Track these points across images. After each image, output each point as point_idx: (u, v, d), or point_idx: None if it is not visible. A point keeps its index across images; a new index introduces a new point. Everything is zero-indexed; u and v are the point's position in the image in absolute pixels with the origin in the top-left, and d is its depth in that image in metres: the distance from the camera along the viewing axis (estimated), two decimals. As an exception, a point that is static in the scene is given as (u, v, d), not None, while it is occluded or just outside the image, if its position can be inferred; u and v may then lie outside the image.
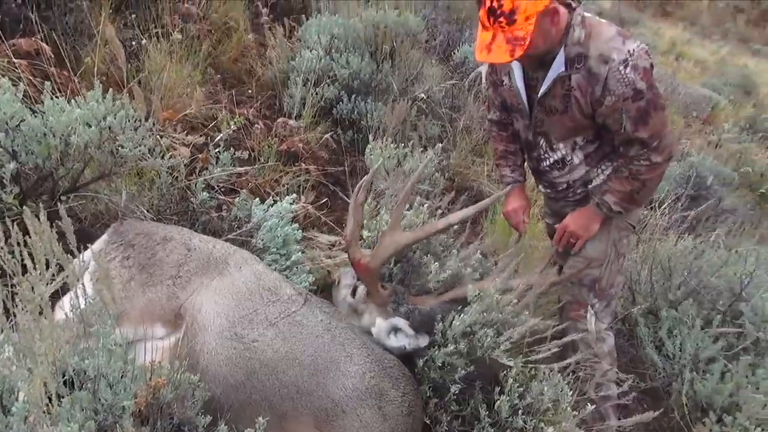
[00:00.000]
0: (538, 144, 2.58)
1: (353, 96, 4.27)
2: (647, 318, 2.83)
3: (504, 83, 2.59)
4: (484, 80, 2.65)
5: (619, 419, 2.54)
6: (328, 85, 4.24)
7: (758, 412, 2.28)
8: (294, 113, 4.13)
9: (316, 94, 4.15)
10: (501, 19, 2.11)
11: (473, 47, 5.98)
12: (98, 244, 2.34)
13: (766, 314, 2.65)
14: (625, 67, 2.19)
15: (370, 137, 3.78)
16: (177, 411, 1.54)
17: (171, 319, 2.13)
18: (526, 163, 2.86)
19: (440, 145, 3.36)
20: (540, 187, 2.85)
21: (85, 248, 2.33)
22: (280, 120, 4.03)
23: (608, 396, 2.65)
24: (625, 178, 2.36)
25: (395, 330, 2.29)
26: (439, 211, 2.78)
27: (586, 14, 2.32)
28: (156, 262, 2.22)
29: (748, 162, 6.84)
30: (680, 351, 2.60)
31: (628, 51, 2.20)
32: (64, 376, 1.38)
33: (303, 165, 3.76)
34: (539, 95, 2.43)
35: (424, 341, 2.24)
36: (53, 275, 1.66)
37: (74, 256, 1.76)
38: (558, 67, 2.33)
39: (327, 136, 3.83)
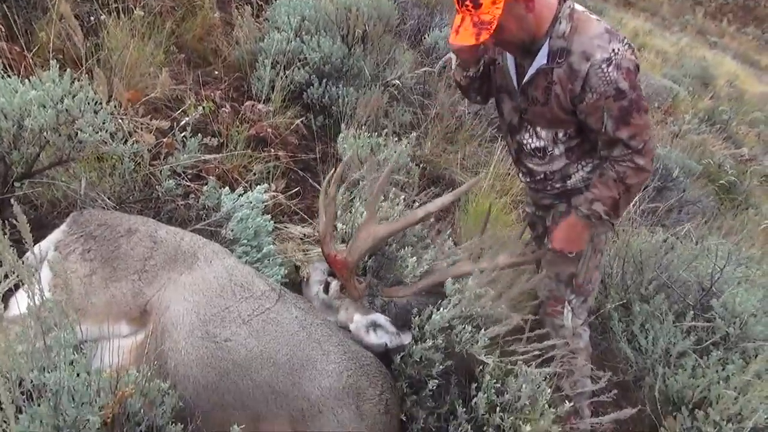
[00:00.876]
0: (523, 127, 2.54)
1: (324, 80, 4.15)
2: (619, 311, 2.83)
3: (498, 62, 2.54)
4: (453, 65, 2.57)
5: (594, 414, 2.55)
6: (299, 69, 4.11)
7: (729, 407, 2.30)
8: (262, 97, 3.99)
9: (286, 77, 4.01)
10: (467, 2, 2.10)
11: (444, 33, 5.96)
12: (56, 235, 2.20)
13: (736, 310, 2.68)
14: (608, 66, 2.15)
15: (342, 124, 3.67)
16: (146, 420, 1.44)
17: (136, 317, 2.01)
18: (506, 148, 2.82)
19: (414, 134, 3.27)
20: (519, 175, 2.81)
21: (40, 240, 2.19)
22: (248, 103, 3.89)
23: (583, 392, 2.65)
24: (612, 181, 2.32)
25: (375, 326, 2.22)
26: (416, 204, 2.71)
27: (577, 7, 2.26)
28: (120, 255, 2.09)
29: (707, 153, 6.99)
30: (653, 345, 2.62)
31: (613, 50, 2.15)
32: (20, 386, 1.26)
33: (272, 151, 3.64)
34: (522, 83, 2.39)
35: (407, 339, 2.18)
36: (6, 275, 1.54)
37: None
38: (541, 58, 2.28)
39: (298, 121, 3.70)
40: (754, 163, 7.92)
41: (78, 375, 1.28)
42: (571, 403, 2.20)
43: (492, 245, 2.49)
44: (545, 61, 2.27)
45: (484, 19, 2.10)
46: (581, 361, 2.60)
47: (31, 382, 1.24)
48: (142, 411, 1.43)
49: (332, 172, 2.40)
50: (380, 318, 2.22)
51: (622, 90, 2.16)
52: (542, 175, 2.62)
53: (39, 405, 1.21)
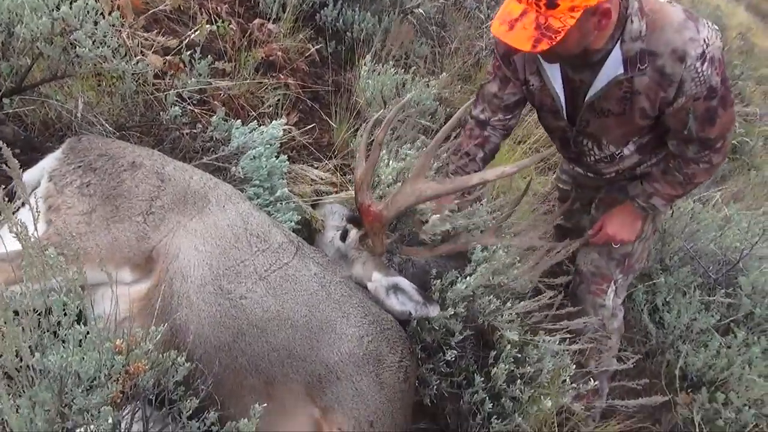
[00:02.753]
0: (582, 143, 2.31)
1: (339, 2, 3.80)
2: (642, 281, 2.72)
3: (532, 84, 2.23)
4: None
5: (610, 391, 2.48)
6: (313, -14, 3.75)
7: (751, 391, 2.24)
8: (272, 15, 3.64)
9: (299, -6, 3.66)
10: None
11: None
12: (50, 162, 1.96)
13: (766, 289, 2.59)
14: (702, 63, 1.86)
15: (368, 54, 3.35)
16: (157, 393, 1.28)
17: (140, 263, 1.82)
18: (557, 154, 2.58)
19: (445, 75, 3.01)
20: (572, 169, 2.61)
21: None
22: (256, 21, 3.54)
23: (607, 370, 2.56)
24: (678, 183, 2.14)
25: (396, 289, 2.06)
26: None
27: None
28: (123, 192, 1.88)
29: (718, 110, 6.78)
30: (676, 320, 2.53)
31: (704, 40, 1.85)
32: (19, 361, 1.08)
33: (281, 77, 3.35)
34: (587, 99, 2.09)
35: (434, 311, 2.00)
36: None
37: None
38: (614, 68, 1.97)
39: (315, 48, 3.39)
40: (760, 123, 7.74)
41: (84, 357, 1.10)
42: (596, 382, 2.12)
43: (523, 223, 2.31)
44: (621, 71, 1.96)
45: (551, 25, 1.73)
46: (614, 342, 2.50)
47: (31, 366, 1.06)
48: (154, 385, 1.28)
49: (375, 115, 2.15)
50: (403, 282, 2.05)
51: (713, 87, 1.90)
52: (613, 173, 2.42)
53: (40, 388, 1.04)
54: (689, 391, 2.42)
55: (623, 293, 2.55)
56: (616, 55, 1.94)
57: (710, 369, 2.39)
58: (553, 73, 2.13)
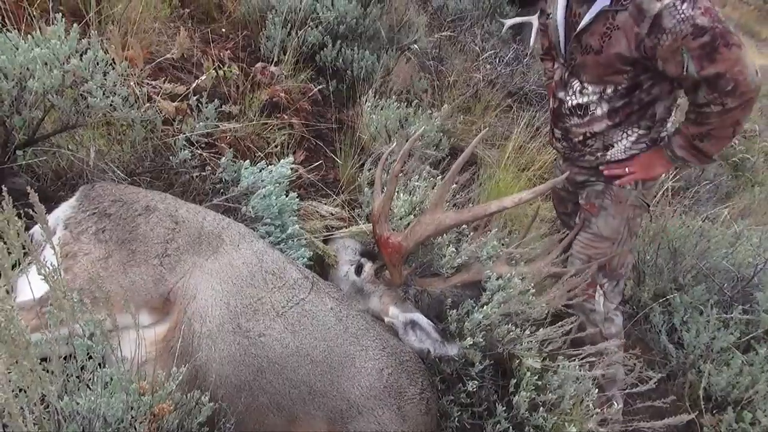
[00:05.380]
0: (570, 83, 2.38)
1: (338, 42, 3.89)
2: (659, 304, 2.70)
3: (550, 16, 2.39)
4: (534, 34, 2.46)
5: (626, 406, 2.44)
6: (312, 29, 3.83)
7: (778, 408, 2.21)
8: (273, 58, 3.72)
9: (298, 37, 3.74)
10: None
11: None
12: (65, 210, 1.98)
13: (784, 305, 2.57)
14: (682, 3, 1.95)
15: (370, 90, 3.42)
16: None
17: (158, 306, 1.83)
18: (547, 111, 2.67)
19: (447, 106, 3.05)
20: (554, 141, 2.64)
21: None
22: (258, 65, 3.62)
23: (615, 380, 2.55)
24: (692, 121, 2.14)
25: (413, 325, 2.05)
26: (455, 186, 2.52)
27: None
28: (138, 236, 1.89)
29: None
30: (696, 339, 2.50)
31: None
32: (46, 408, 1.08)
33: (285, 117, 3.40)
34: (577, 30, 2.22)
35: (453, 350, 1.98)
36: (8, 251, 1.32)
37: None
38: (602, 1, 2.10)
39: (317, 88, 3.45)
40: (760, 139, 7.81)
41: (112, 399, 1.10)
42: (609, 393, 2.09)
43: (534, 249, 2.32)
44: (608, 3, 2.08)
45: None
46: (613, 346, 2.49)
47: (57, 408, 1.06)
48: (178, 427, 1.26)
49: (388, 149, 2.18)
50: (420, 318, 2.04)
51: (700, 26, 1.94)
52: (580, 137, 2.46)
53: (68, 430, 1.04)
54: (714, 412, 2.38)
55: (616, 299, 2.56)
56: None
57: (734, 388, 2.35)
58: (561, 5, 2.30)
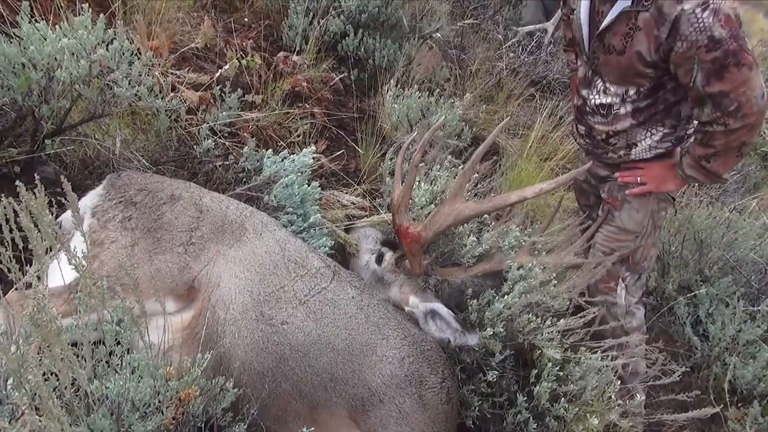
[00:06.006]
0: (593, 82, 2.35)
1: (360, 31, 3.88)
2: (684, 295, 2.67)
3: (573, 11, 2.35)
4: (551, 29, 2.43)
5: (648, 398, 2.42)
6: (334, 18, 3.83)
7: (804, 402, 2.18)
8: (295, 47, 3.73)
9: (320, 26, 3.74)
10: None
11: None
12: (92, 199, 2.02)
13: (813, 298, 2.53)
14: (703, 11, 1.88)
15: (392, 80, 3.40)
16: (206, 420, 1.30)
17: (183, 293, 1.86)
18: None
19: (469, 95, 3.03)
20: (577, 137, 2.61)
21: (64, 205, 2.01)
22: (280, 54, 3.63)
23: (637, 372, 2.53)
24: (698, 142, 2.12)
25: (433, 315, 2.05)
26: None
27: None
28: (163, 225, 1.92)
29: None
30: (721, 332, 2.47)
31: None
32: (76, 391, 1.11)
33: (307, 107, 3.41)
34: (600, 29, 2.18)
35: (473, 339, 1.98)
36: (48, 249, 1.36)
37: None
38: (624, 1, 2.06)
39: (338, 77, 3.45)
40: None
41: (140, 383, 1.12)
42: (630, 385, 2.07)
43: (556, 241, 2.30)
44: (629, 3, 2.04)
45: None
46: (634, 340, 2.46)
47: (89, 392, 1.08)
48: (203, 413, 1.29)
49: (409, 138, 2.18)
50: (441, 308, 2.04)
51: (716, 39, 1.89)
52: (603, 135, 2.42)
53: (99, 414, 1.06)
54: (739, 405, 2.35)
55: (637, 292, 2.53)
56: None
57: (760, 381, 2.31)
58: (584, 4, 2.25)
